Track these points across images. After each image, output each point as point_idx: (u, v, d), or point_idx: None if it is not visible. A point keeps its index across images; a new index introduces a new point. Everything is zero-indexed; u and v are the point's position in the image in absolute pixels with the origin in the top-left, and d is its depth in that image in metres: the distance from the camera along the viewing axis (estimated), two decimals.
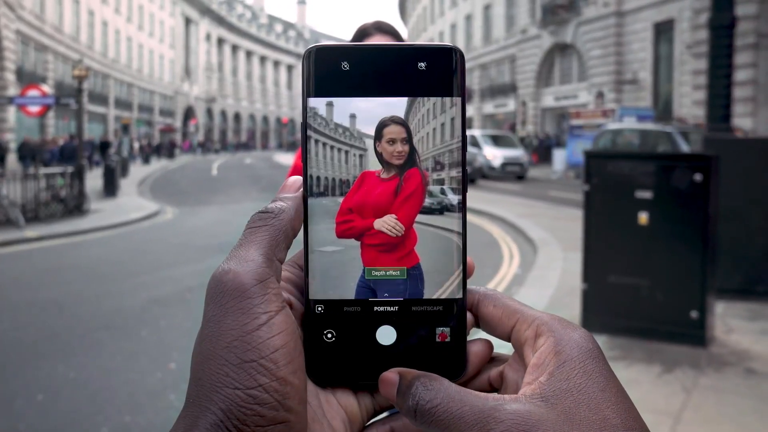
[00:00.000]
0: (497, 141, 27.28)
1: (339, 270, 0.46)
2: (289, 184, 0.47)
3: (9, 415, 4.48)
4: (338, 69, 0.46)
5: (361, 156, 0.46)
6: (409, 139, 0.45)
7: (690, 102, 25.16)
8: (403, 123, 0.45)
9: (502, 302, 0.46)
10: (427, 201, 0.46)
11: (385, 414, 0.47)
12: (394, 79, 0.45)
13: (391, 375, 0.43)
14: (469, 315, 0.46)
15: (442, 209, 0.46)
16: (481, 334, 0.48)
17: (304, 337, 0.45)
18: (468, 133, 0.51)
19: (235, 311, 0.40)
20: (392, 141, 0.45)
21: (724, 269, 5.87)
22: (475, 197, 16.50)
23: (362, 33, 2.03)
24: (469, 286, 0.46)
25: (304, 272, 0.46)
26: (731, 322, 5.67)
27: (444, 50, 0.46)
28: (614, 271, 5.32)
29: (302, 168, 0.46)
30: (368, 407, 0.46)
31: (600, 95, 33.34)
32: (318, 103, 0.46)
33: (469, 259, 0.46)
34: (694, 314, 4.96)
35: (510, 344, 0.45)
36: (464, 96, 0.46)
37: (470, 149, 21.46)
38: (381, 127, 0.45)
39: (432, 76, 0.46)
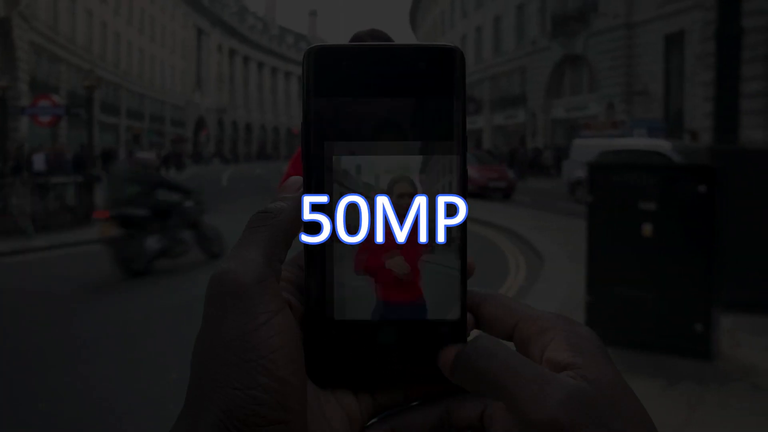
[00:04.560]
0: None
1: (358, 298, 0.46)
2: (290, 184, 0.47)
3: (11, 423, 4.49)
4: (339, 69, 0.45)
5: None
6: (414, 191, 0.46)
7: (701, 114, 25.05)
8: (411, 181, 0.46)
9: (503, 302, 0.46)
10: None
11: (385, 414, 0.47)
12: (395, 78, 0.45)
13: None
14: (469, 316, 0.46)
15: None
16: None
17: (304, 338, 0.45)
18: None
19: (235, 311, 0.40)
20: (402, 195, 0.46)
21: (734, 283, 5.80)
22: (483, 209, 16.44)
23: (356, 41, 2.04)
24: (470, 288, 0.46)
25: (305, 280, 0.46)
26: (738, 336, 5.59)
27: (445, 50, 0.46)
28: (618, 283, 5.27)
29: (302, 168, 0.46)
30: (368, 407, 0.46)
31: (610, 107, 33.29)
32: (349, 165, 0.46)
33: (469, 258, 0.46)
34: (698, 327, 4.90)
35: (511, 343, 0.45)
36: (464, 97, 0.46)
37: None
38: (392, 183, 0.46)
39: (433, 75, 0.45)
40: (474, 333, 0.47)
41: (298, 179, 0.47)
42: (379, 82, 0.45)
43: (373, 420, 0.46)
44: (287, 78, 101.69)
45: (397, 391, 0.46)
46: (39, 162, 20.32)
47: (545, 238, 11.79)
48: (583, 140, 21.61)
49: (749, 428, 3.96)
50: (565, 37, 37.19)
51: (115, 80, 51.11)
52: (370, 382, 0.46)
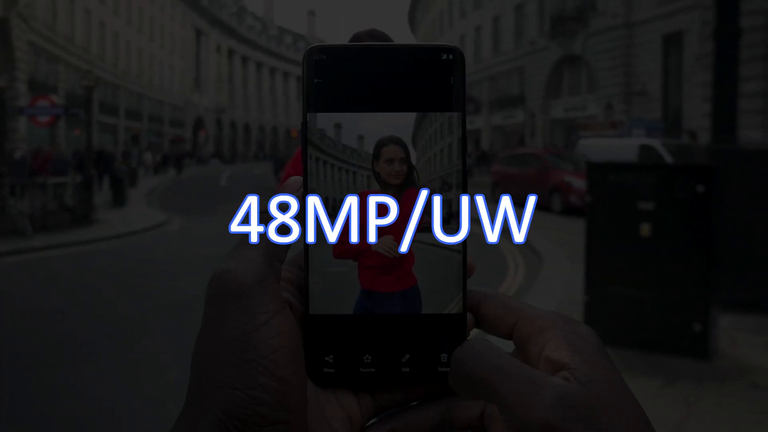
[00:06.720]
0: None
1: (339, 288, 0.45)
2: (289, 184, 0.47)
3: (8, 422, 4.48)
4: (339, 68, 0.45)
5: (368, 177, 0.46)
6: (407, 159, 0.45)
7: (700, 114, 25.05)
8: (401, 143, 0.45)
9: (503, 302, 0.45)
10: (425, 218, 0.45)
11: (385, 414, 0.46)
12: (395, 78, 0.45)
13: None
14: (469, 315, 0.46)
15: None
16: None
17: (304, 338, 0.44)
18: None
19: (235, 311, 0.40)
20: (390, 161, 0.45)
21: (731, 282, 5.80)
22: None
23: (355, 41, 2.03)
24: (469, 287, 0.46)
25: (304, 280, 0.46)
26: (736, 335, 5.60)
27: (444, 49, 0.46)
28: (616, 282, 5.28)
29: (302, 168, 0.46)
30: (368, 407, 0.46)
31: (609, 107, 33.25)
32: (326, 125, 0.45)
33: (469, 259, 0.46)
34: (696, 326, 4.91)
35: (510, 342, 0.45)
36: (464, 97, 0.46)
37: None
38: (379, 146, 0.45)
39: (432, 75, 0.45)
40: (474, 333, 0.47)
41: (298, 179, 0.47)
42: (379, 82, 0.45)
43: (373, 420, 0.46)
44: (286, 78, 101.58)
45: (397, 391, 0.46)
46: None
47: (544, 238, 11.80)
48: (589, 140, 21.55)
49: (747, 427, 3.96)
50: (564, 37, 37.15)
51: (114, 80, 50.99)
52: (370, 381, 0.46)
